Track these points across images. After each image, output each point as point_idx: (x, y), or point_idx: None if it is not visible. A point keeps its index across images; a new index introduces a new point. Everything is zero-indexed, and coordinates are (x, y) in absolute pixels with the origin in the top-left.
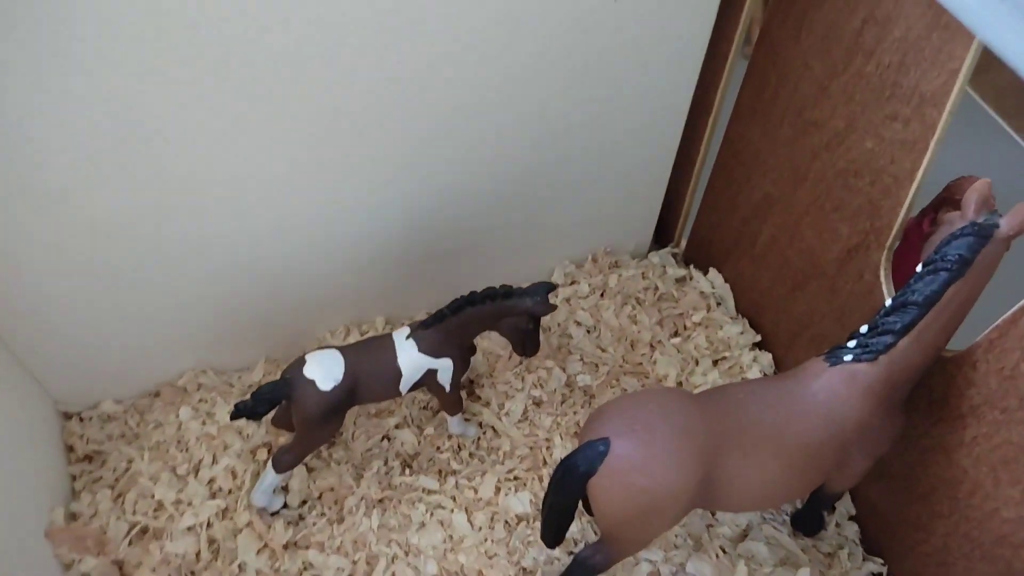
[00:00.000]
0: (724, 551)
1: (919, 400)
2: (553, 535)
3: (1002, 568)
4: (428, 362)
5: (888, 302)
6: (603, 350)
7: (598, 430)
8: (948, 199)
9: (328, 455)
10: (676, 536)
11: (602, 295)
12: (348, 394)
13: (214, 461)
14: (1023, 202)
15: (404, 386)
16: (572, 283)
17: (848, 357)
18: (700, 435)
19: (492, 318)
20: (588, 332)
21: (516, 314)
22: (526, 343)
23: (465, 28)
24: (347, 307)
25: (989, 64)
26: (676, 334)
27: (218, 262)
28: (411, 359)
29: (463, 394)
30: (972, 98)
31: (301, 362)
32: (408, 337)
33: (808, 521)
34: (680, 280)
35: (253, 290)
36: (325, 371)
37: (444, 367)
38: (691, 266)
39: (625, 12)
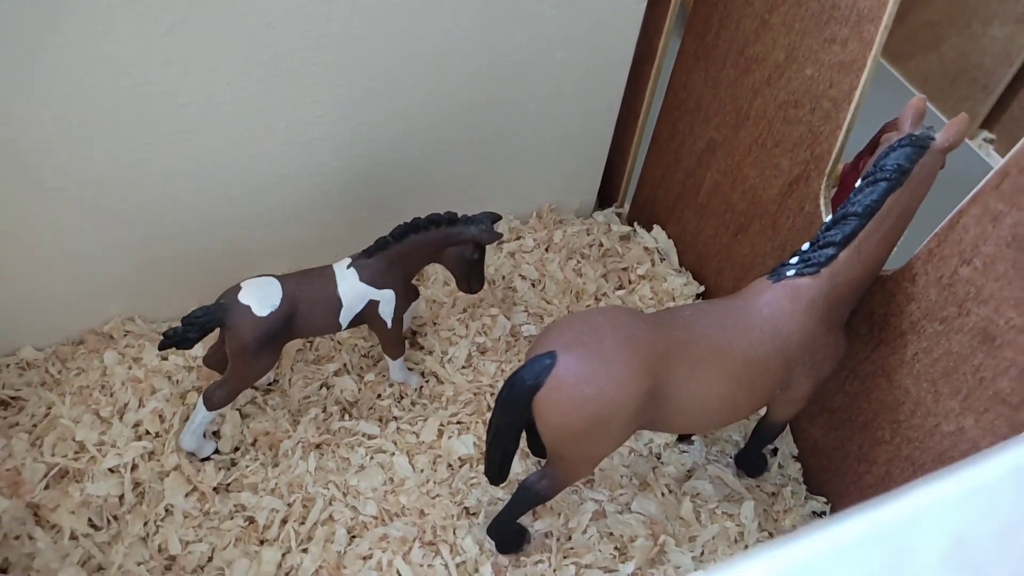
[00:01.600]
0: (670, 490)
1: (859, 325)
2: (498, 466)
3: None
4: (370, 292)
5: (829, 219)
6: (548, 302)
7: (545, 344)
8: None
9: (263, 401)
10: (621, 476)
11: (547, 250)
12: (285, 322)
13: (140, 404)
14: (958, 116)
15: (344, 318)
16: (517, 238)
17: (791, 272)
18: (647, 347)
19: (436, 246)
20: (533, 285)
21: (461, 242)
22: (471, 276)
23: None
24: (286, 253)
25: (915, 51)
26: (621, 287)
27: (144, 198)
28: (352, 288)
29: (406, 344)
30: (901, 83)
31: (236, 288)
32: (349, 267)
33: (752, 461)
34: (624, 237)
35: (185, 231)
36: (262, 296)
37: (386, 299)
38: (635, 224)
39: None
